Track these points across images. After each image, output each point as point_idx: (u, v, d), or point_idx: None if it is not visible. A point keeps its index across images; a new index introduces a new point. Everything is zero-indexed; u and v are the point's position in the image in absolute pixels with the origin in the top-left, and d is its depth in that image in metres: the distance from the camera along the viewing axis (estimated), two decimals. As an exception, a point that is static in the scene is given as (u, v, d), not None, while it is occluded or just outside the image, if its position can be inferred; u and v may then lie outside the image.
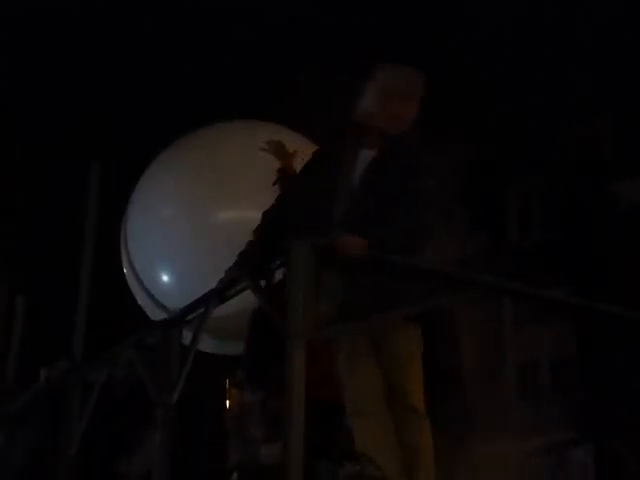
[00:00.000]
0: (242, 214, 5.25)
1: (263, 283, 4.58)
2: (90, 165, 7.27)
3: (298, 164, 5.46)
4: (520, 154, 17.27)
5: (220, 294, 4.66)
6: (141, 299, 6.00)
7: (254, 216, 5.08)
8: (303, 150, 5.62)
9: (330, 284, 4.32)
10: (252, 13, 7.68)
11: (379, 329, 4.46)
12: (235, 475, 5.24)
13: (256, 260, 4.53)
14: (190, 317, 4.81)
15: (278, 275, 4.62)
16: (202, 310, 4.68)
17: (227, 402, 5.72)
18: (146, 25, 7.61)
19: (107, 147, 8.15)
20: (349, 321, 4.39)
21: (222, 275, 4.75)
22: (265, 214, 4.88)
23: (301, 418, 3.95)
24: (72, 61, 7.89)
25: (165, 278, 5.77)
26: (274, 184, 5.43)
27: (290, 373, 4.03)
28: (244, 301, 4.69)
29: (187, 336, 4.81)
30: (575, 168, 16.22)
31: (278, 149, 5.60)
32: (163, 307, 5.67)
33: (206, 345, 5.12)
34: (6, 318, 7.68)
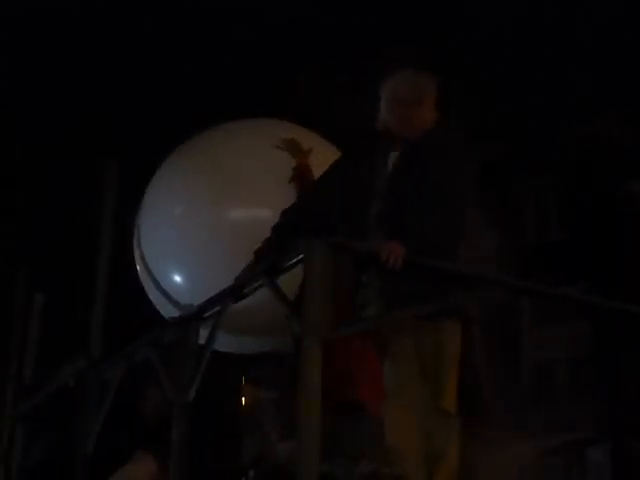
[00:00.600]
0: (255, 212, 5.25)
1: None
2: (106, 164, 7.28)
3: (314, 162, 5.46)
4: (534, 153, 17.23)
5: (236, 292, 4.67)
6: (154, 297, 6.01)
7: (267, 214, 5.08)
8: (318, 148, 5.62)
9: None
10: (260, 12, 7.67)
11: (396, 327, 4.46)
12: (252, 473, 5.25)
13: (272, 258, 4.54)
14: (206, 315, 4.83)
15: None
16: (218, 308, 4.69)
17: (242, 400, 5.73)
18: (158, 24, 7.62)
19: (123, 146, 8.15)
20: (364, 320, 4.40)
21: (236, 273, 4.76)
22: (285, 212, 4.88)
23: (317, 418, 3.94)
24: (79, 62, 7.90)
25: (178, 276, 5.77)
26: (290, 182, 5.43)
27: (305, 371, 4.03)
28: (260, 298, 4.68)
29: (203, 334, 4.81)
30: (590, 166, 16.17)
31: (293, 147, 5.59)
32: (176, 304, 5.68)
33: (222, 343, 5.11)
34: (23, 317, 7.70)
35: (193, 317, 4.89)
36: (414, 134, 4.67)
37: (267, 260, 4.57)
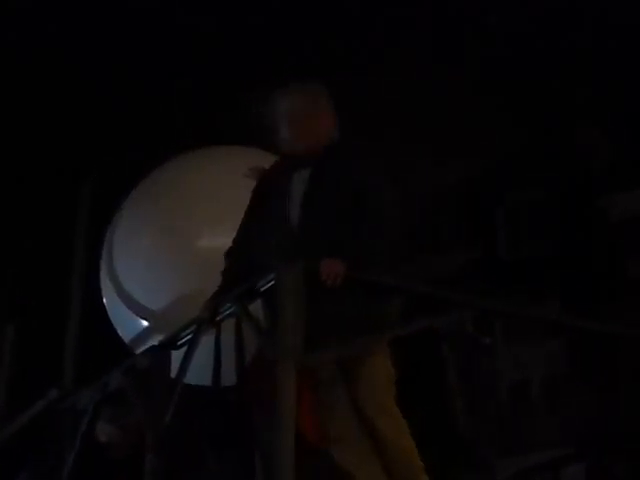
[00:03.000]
0: (223, 241, 5.23)
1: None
2: (79, 187, 7.25)
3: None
4: (508, 169, 17.27)
5: (208, 320, 4.66)
6: (122, 329, 5.99)
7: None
8: None
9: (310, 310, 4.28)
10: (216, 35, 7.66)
11: (362, 351, 4.41)
12: None
13: (235, 286, 4.52)
14: (179, 343, 4.82)
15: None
16: (190, 336, 4.68)
17: None
18: (125, 51, 7.61)
19: (96, 168, 8.11)
20: (332, 346, 4.36)
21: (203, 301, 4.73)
22: (226, 254, 4.83)
23: (291, 443, 3.93)
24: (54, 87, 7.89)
25: (146, 305, 5.75)
26: None
27: (280, 397, 4.01)
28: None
29: (178, 359, 4.80)
30: (565, 182, 16.25)
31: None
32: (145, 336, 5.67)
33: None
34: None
35: (166, 345, 4.87)
36: (314, 150, 4.55)
37: (238, 287, 4.56)
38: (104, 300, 6.11)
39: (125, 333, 6.01)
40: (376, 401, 4.39)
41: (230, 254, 4.81)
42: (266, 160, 5.20)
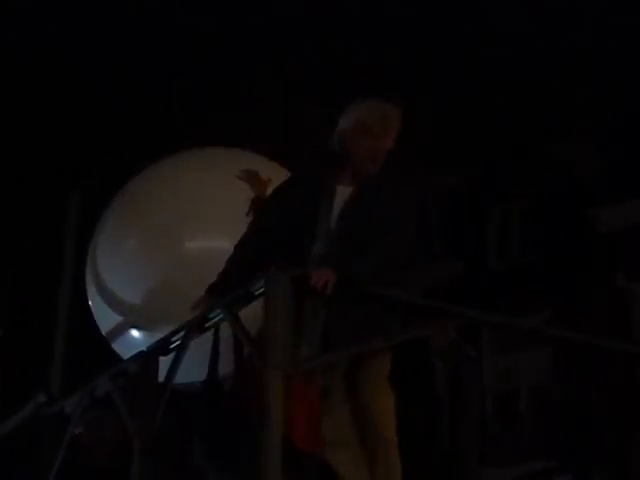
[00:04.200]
0: (212, 243, 5.21)
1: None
2: (68, 195, 7.23)
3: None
4: (497, 181, 17.35)
5: (197, 325, 4.66)
6: (108, 333, 5.96)
7: (224, 245, 5.05)
8: (278, 178, 5.61)
9: (309, 319, 4.32)
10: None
11: (355, 360, 4.46)
12: None
13: (227, 291, 4.53)
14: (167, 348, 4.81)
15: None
16: (179, 342, 4.68)
17: None
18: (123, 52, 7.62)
19: (85, 177, 8.10)
20: (328, 354, 4.38)
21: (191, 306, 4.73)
22: (237, 246, 4.84)
23: (278, 453, 3.94)
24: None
25: (133, 308, 5.73)
26: (248, 213, 5.40)
27: (269, 407, 4.02)
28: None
29: (165, 365, 4.79)
30: (553, 195, 16.32)
31: (252, 178, 5.56)
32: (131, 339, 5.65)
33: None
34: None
35: (154, 351, 4.87)
36: (374, 165, 4.64)
37: (227, 293, 4.56)
38: (89, 302, 6.07)
39: (111, 336, 5.99)
40: (381, 406, 4.46)
41: (238, 251, 4.79)
42: (258, 163, 5.18)
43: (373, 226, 4.49)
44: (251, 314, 4.42)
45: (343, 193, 4.61)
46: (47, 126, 8.01)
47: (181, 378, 4.74)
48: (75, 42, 7.37)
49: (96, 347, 6.23)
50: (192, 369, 4.70)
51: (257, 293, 4.35)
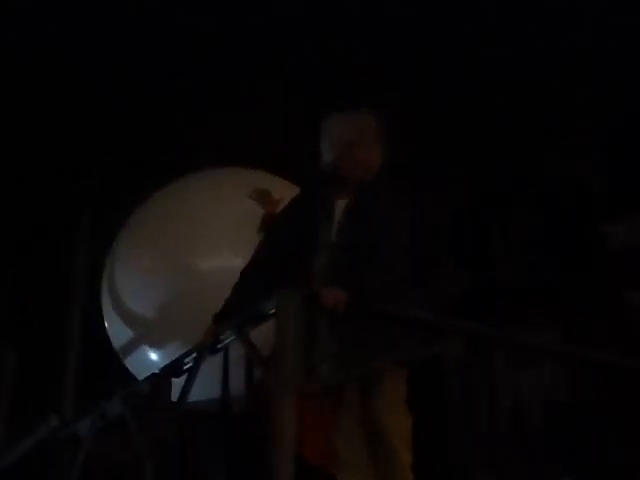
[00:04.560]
0: (224, 262, 5.24)
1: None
2: (79, 215, 7.25)
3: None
4: (507, 195, 17.31)
5: (208, 347, 4.67)
6: (123, 353, 5.98)
7: (237, 264, 5.07)
8: (288, 196, 5.62)
9: (320, 337, 4.32)
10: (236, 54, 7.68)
11: (367, 377, 4.45)
12: None
13: (235, 313, 4.54)
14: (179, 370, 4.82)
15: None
16: (191, 364, 4.69)
17: None
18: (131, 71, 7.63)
19: (96, 198, 8.12)
20: (340, 371, 4.38)
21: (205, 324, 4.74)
22: (242, 272, 4.84)
23: (290, 470, 3.93)
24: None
25: (146, 331, 5.75)
26: (259, 231, 5.41)
27: (279, 426, 4.02)
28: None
29: (178, 387, 4.80)
30: (564, 209, 16.28)
31: (264, 197, 5.58)
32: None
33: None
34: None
35: (166, 373, 4.87)
36: (365, 176, 4.63)
37: (228, 317, 4.57)
38: (105, 322, 6.10)
39: (126, 357, 6.01)
40: (396, 428, 4.42)
41: (242, 278, 4.81)
42: (269, 182, 5.21)
43: (368, 233, 4.48)
44: (262, 336, 4.44)
45: (341, 206, 4.61)
46: (58, 117, 7.99)
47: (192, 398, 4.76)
48: (79, 43, 7.38)
49: (108, 367, 6.25)
50: (204, 389, 4.71)
51: (269, 312, 4.36)
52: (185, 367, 4.75)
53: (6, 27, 7.19)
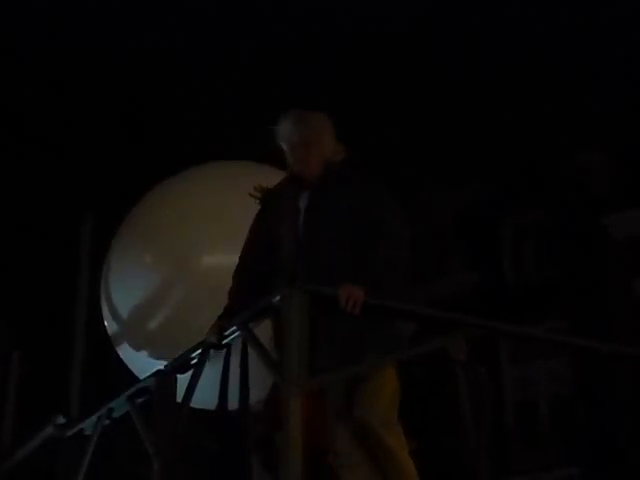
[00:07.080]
0: (227, 259, 5.21)
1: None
2: (82, 217, 7.24)
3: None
4: (512, 192, 17.34)
5: (213, 345, 4.66)
6: (124, 352, 5.96)
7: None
8: None
9: (324, 333, 4.33)
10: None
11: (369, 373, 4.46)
12: None
13: (239, 309, 4.56)
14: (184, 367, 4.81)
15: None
16: (197, 360, 4.68)
17: None
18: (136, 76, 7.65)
19: (99, 198, 8.13)
20: (343, 369, 4.38)
21: (207, 322, 4.74)
22: (233, 277, 4.88)
23: (299, 468, 3.93)
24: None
25: (148, 328, 5.73)
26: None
27: (287, 421, 4.01)
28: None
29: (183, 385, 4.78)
30: (567, 203, 16.30)
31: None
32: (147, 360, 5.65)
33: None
34: (1, 374, 7.64)
35: (172, 371, 4.86)
36: (314, 172, 4.75)
37: (234, 312, 4.56)
38: (105, 322, 6.08)
39: (127, 356, 5.98)
40: (381, 417, 4.43)
41: (237, 272, 4.84)
42: (274, 177, 5.20)
43: (325, 226, 4.58)
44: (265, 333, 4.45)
45: (306, 197, 4.74)
46: (60, 145, 8.02)
47: (197, 399, 4.75)
48: (91, 43, 7.39)
49: (113, 366, 6.24)
50: (208, 390, 4.71)
51: (272, 309, 4.36)
52: (191, 363, 4.75)
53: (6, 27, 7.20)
